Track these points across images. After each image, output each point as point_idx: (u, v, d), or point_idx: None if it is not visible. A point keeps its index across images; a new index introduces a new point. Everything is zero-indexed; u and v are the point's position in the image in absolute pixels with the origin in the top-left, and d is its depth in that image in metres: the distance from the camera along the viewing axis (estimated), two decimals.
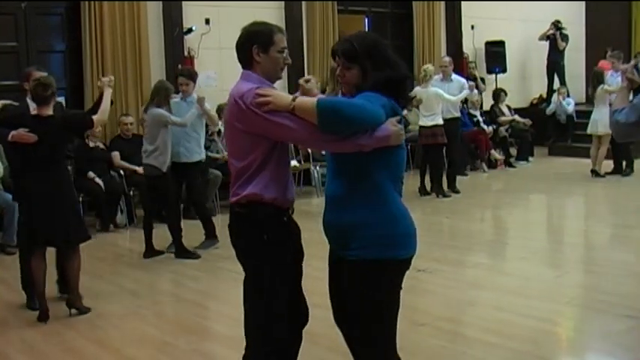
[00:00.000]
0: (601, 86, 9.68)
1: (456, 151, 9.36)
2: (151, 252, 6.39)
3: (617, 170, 10.01)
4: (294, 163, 8.94)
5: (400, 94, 2.71)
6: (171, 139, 6.32)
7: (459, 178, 9.39)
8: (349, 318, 2.75)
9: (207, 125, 8.61)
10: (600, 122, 9.63)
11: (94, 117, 4.91)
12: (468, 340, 4.25)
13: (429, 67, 8.99)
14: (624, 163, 10.00)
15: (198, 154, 6.66)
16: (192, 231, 6.74)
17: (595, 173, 9.89)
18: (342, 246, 2.69)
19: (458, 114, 9.37)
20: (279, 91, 2.70)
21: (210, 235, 6.57)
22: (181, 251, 6.30)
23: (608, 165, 10.05)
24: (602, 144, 9.83)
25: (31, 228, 4.73)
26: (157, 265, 6.19)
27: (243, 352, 2.90)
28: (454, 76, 9.18)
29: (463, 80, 9.30)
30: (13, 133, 4.60)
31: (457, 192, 9.06)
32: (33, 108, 4.85)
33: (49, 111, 4.69)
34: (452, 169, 9.27)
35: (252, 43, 2.79)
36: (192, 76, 6.60)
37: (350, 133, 2.53)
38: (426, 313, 4.66)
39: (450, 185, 9.11)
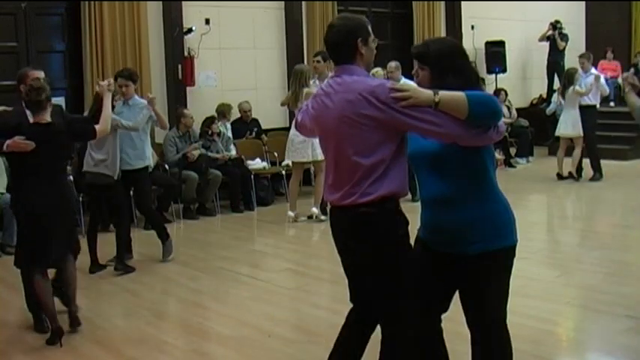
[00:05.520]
0: (572, 87, 9.43)
1: None
2: (97, 266, 5.95)
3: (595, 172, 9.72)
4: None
5: None
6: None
7: None
8: (473, 307, 2.83)
9: (209, 125, 8.60)
10: (570, 124, 9.47)
11: (97, 127, 4.64)
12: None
13: (379, 70, 8.54)
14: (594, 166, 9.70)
15: (143, 160, 6.23)
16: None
17: (559, 177, 9.74)
18: (460, 243, 2.71)
19: None
20: (415, 85, 2.66)
21: (166, 242, 6.22)
22: (122, 264, 5.90)
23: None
24: (576, 145, 9.58)
25: (35, 247, 4.29)
26: (157, 265, 6.19)
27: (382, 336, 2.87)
28: (404, 81, 8.55)
29: (412, 83, 8.96)
30: (8, 142, 4.17)
31: None
32: (29, 113, 4.42)
33: (47, 117, 4.29)
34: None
35: (357, 37, 2.77)
36: (132, 77, 6.23)
37: (490, 125, 2.57)
38: None
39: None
